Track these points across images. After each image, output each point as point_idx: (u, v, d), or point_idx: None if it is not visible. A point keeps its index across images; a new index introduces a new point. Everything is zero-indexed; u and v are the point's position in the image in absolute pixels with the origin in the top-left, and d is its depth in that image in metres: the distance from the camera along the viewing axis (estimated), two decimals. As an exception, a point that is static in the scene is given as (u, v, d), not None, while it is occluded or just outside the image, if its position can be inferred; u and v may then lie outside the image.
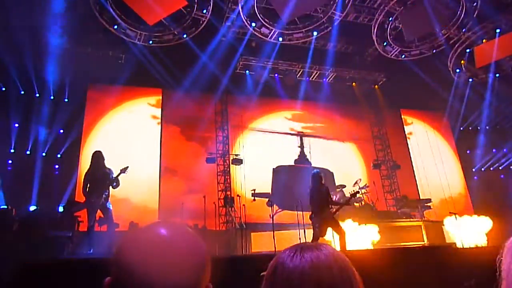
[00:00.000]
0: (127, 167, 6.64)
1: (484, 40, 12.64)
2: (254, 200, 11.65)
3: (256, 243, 9.50)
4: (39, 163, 10.53)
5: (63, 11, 9.70)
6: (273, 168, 12.63)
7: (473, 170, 15.49)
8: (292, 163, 13.56)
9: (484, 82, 14.04)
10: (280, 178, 12.59)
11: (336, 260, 0.99)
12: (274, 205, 11.26)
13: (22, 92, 11.09)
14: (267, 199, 11.62)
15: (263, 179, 12.62)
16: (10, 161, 10.65)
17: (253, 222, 10.74)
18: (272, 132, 13.69)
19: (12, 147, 10.72)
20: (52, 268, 3.86)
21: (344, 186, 11.78)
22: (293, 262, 0.99)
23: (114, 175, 6.68)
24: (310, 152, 13.39)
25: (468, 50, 13.13)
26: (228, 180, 12.49)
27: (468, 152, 15.90)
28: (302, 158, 13.46)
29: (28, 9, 9.39)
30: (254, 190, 11.71)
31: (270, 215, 9.77)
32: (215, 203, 11.11)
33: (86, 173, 6.83)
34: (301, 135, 13.54)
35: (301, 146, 13.52)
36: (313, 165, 13.23)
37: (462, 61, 13.47)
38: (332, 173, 12.64)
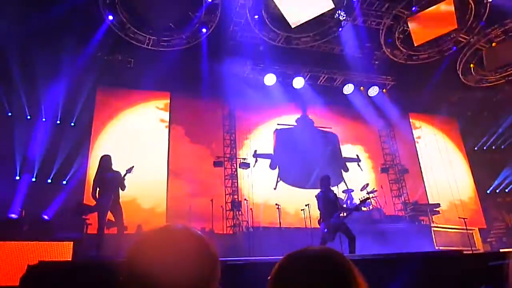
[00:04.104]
0: (132, 166, 6.70)
1: (493, 44, 12.56)
2: (256, 161, 11.37)
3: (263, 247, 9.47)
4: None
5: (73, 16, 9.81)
6: (275, 130, 12.63)
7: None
8: (295, 123, 13.94)
9: (494, 85, 13.92)
10: (283, 146, 12.45)
11: (335, 266, 0.98)
12: (278, 177, 10.89)
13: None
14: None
15: (271, 182, 12.62)
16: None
17: (260, 226, 10.75)
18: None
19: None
20: (62, 271, 3.89)
21: (352, 191, 11.77)
22: (289, 268, 1.00)
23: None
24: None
25: (477, 53, 13.04)
26: (236, 184, 12.49)
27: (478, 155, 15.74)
28: (303, 118, 13.48)
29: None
30: (256, 150, 11.43)
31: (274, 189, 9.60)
32: (222, 206, 11.13)
33: (95, 176, 6.90)
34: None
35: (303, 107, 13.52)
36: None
37: (472, 64, 13.36)
38: (336, 136, 12.49)
